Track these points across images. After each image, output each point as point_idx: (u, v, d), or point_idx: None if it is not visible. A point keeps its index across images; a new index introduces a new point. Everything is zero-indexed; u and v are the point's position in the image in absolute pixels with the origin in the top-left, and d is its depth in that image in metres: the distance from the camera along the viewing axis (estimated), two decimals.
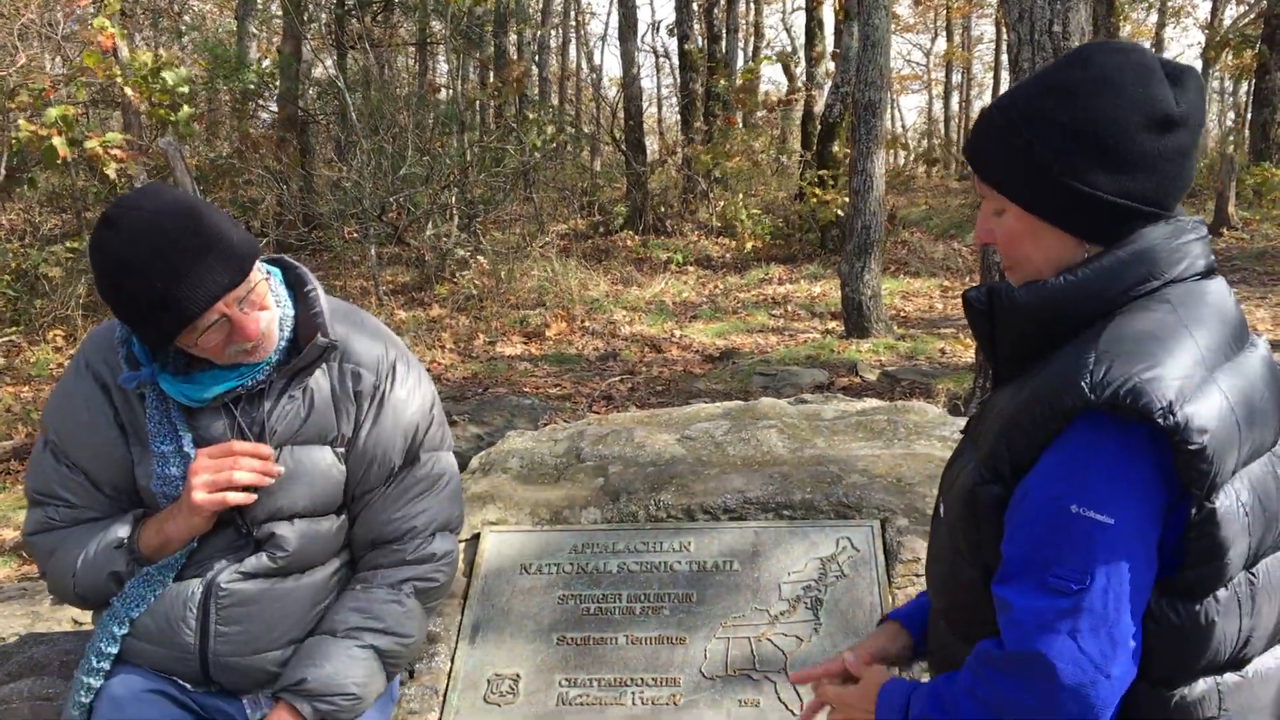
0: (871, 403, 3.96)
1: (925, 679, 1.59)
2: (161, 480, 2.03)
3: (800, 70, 18.92)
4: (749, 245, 14.69)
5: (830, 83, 15.01)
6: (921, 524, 2.80)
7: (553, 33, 24.87)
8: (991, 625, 1.38)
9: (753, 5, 26.75)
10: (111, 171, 7.91)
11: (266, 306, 1.99)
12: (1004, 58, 24.28)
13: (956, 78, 34.31)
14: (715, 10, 18.10)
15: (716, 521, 2.94)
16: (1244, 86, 25.33)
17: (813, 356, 9.16)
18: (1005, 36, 6.11)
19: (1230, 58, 19.91)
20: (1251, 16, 20.07)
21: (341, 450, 2.10)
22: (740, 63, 21.21)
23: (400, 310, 11.48)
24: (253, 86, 14.69)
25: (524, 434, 3.65)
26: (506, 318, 11.15)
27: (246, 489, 2.00)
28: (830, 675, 1.71)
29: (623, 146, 16.86)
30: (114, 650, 2.07)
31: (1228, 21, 23.12)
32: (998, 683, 1.30)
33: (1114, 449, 1.28)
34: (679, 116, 19.58)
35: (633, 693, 2.54)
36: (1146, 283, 1.38)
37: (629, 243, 15.31)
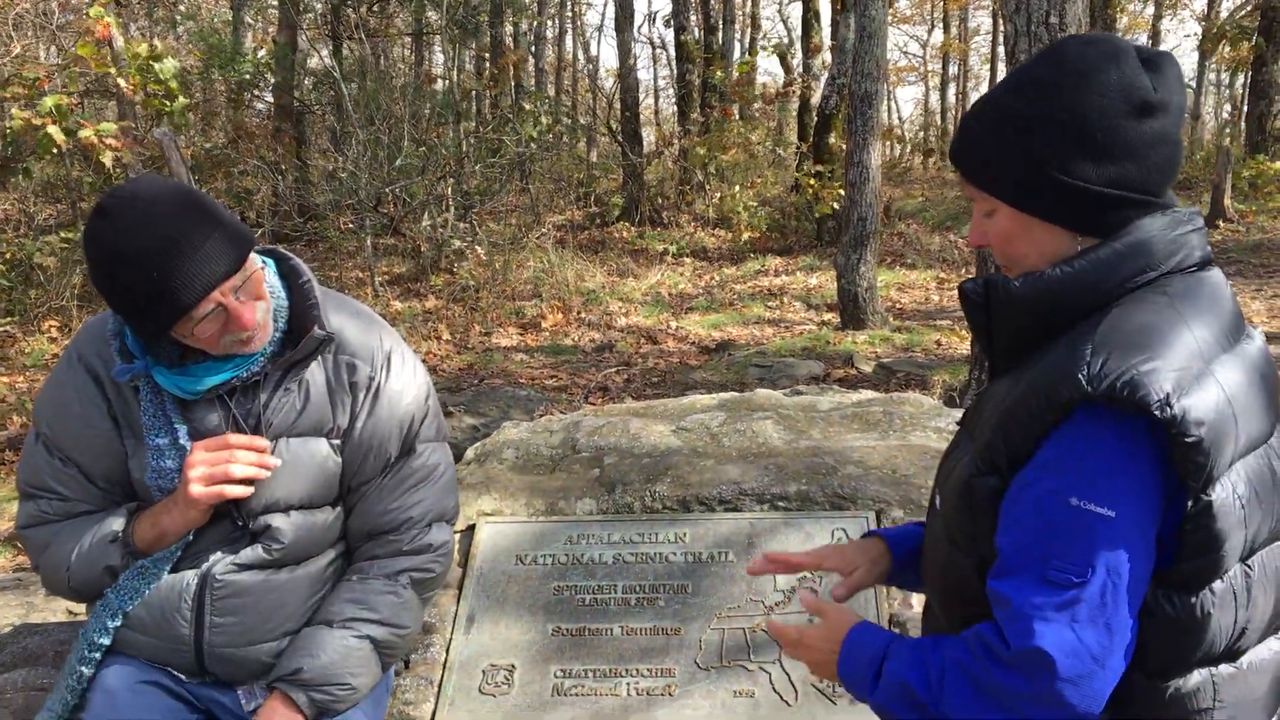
0: (867, 394, 3.96)
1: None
2: (156, 473, 2.02)
3: (797, 62, 18.91)
4: (745, 237, 14.68)
5: (827, 74, 14.98)
6: (917, 515, 2.80)
7: (549, 23, 24.80)
8: (986, 616, 1.37)
9: None
10: (108, 160, 7.88)
11: (262, 295, 1.98)
12: (1000, 50, 24.25)
13: (953, 69, 34.28)
14: (712, 1, 18.07)
15: (712, 513, 2.94)
16: (1240, 79, 25.32)
17: (809, 348, 9.16)
18: (1002, 28, 6.11)
19: (1227, 50, 19.91)
20: (1248, 9, 20.06)
21: (337, 442, 2.10)
22: (737, 54, 21.17)
23: (396, 301, 11.46)
24: (248, 77, 14.64)
25: (519, 425, 3.64)
26: (502, 309, 11.14)
27: (243, 482, 1.99)
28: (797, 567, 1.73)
29: (619, 138, 16.84)
30: (106, 641, 2.07)
31: (1224, 14, 23.11)
32: (997, 673, 1.30)
33: (1112, 441, 1.28)
34: (675, 108, 19.57)
35: (627, 683, 2.55)
36: (1143, 274, 1.38)
37: (625, 234, 15.30)
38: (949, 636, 1.41)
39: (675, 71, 19.07)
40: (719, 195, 15.88)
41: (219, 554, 2.05)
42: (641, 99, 20.05)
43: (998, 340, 1.47)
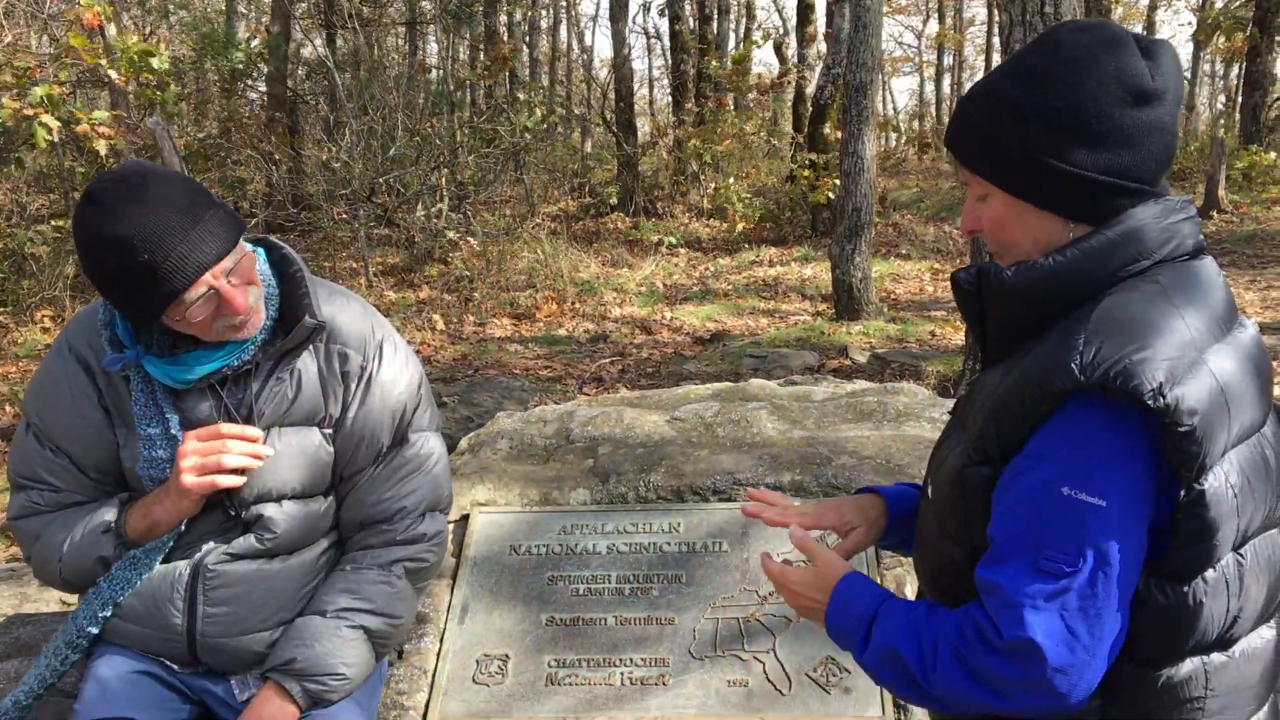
0: (861, 385, 3.97)
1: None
2: (148, 463, 2.02)
3: (792, 52, 18.88)
4: (740, 227, 14.67)
5: (822, 64, 14.96)
6: None
7: (543, 13, 24.75)
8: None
9: None
10: (102, 148, 7.84)
11: (254, 281, 1.98)
12: (996, 40, 24.24)
13: (948, 60, 34.25)
14: None
15: (706, 502, 2.94)
16: (1235, 70, 25.33)
17: (803, 339, 9.17)
18: (997, 18, 6.09)
19: (1221, 40, 19.90)
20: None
21: (329, 431, 2.09)
22: (732, 44, 21.12)
23: (390, 291, 11.45)
24: (241, 66, 14.58)
25: (513, 415, 3.64)
26: (497, 299, 11.12)
27: (235, 471, 1.99)
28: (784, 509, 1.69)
29: (614, 128, 16.81)
30: (94, 630, 2.07)
31: (1219, 4, 23.09)
32: (989, 660, 1.30)
33: (1105, 431, 1.28)
34: (670, 98, 19.53)
35: (621, 673, 2.55)
36: (1135, 263, 1.37)
37: (620, 225, 15.28)
38: (942, 609, 1.41)
39: (670, 62, 19.04)
40: (714, 186, 15.86)
41: (211, 544, 2.05)
42: (636, 89, 20.01)
43: (990, 329, 1.47)
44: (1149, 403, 1.24)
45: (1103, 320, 1.31)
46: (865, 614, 1.46)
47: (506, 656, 2.61)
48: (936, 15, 33.98)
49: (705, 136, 15.81)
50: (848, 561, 1.60)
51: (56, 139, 8.03)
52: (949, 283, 1.54)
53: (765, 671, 2.52)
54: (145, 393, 2.02)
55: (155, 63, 8.12)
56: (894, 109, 37.11)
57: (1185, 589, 1.32)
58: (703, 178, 16.16)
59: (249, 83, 15.51)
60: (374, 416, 2.11)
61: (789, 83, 17.77)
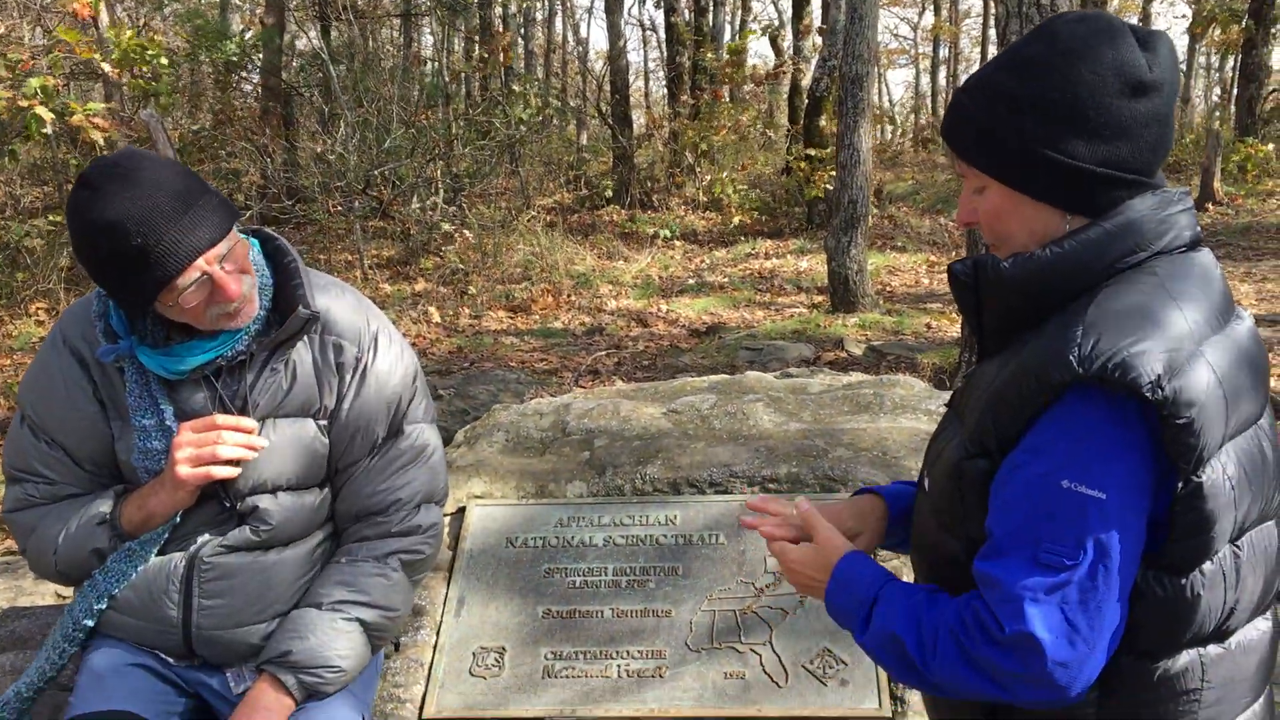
0: (857, 377, 3.97)
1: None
2: (143, 454, 2.01)
3: (787, 44, 18.84)
4: (736, 220, 14.66)
5: (817, 56, 14.93)
6: None
7: (538, 5, 24.66)
8: None
9: None
10: (99, 138, 7.81)
11: (248, 270, 1.97)
12: (992, 32, 24.22)
13: (944, 52, 34.20)
14: None
15: (702, 495, 2.94)
16: (1230, 62, 25.32)
17: (799, 331, 9.17)
18: (993, 10, 6.09)
19: (1217, 33, 19.87)
20: None
21: (324, 423, 2.09)
22: (727, 36, 21.10)
23: (385, 284, 11.43)
24: (235, 59, 14.53)
25: (509, 408, 3.63)
26: (492, 292, 11.11)
27: (230, 463, 1.98)
28: (785, 519, 1.65)
29: (609, 120, 16.78)
30: (90, 623, 2.06)
31: None
32: (989, 652, 1.30)
33: (1103, 423, 1.28)
34: (666, 90, 19.50)
35: (618, 665, 2.55)
36: (1132, 255, 1.37)
37: (615, 217, 15.27)
38: (943, 596, 1.40)
39: (665, 54, 19.00)
40: (709, 178, 15.84)
41: (206, 536, 2.05)
42: (632, 81, 20.00)
43: (987, 321, 1.46)
44: (1147, 395, 1.24)
45: (1101, 312, 1.31)
46: (866, 596, 1.46)
47: (503, 649, 2.61)
48: (932, 7, 33.90)
49: (701, 128, 15.78)
50: None
51: (51, 131, 8.00)
52: (945, 275, 1.53)
53: (762, 664, 2.52)
54: (140, 384, 2.01)
55: (151, 52, 8.10)
56: (890, 101, 37.08)
57: (1183, 581, 1.32)
58: (698, 170, 16.14)
59: (243, 75, 15.46)
60: (369, 408, 2.10)
61: (784, 75, 17.75)
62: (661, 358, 8.52)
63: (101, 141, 7.89)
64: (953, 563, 1.46)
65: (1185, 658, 1.37)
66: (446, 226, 12.48)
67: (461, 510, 2.97)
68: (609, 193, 16.07)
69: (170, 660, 2.10)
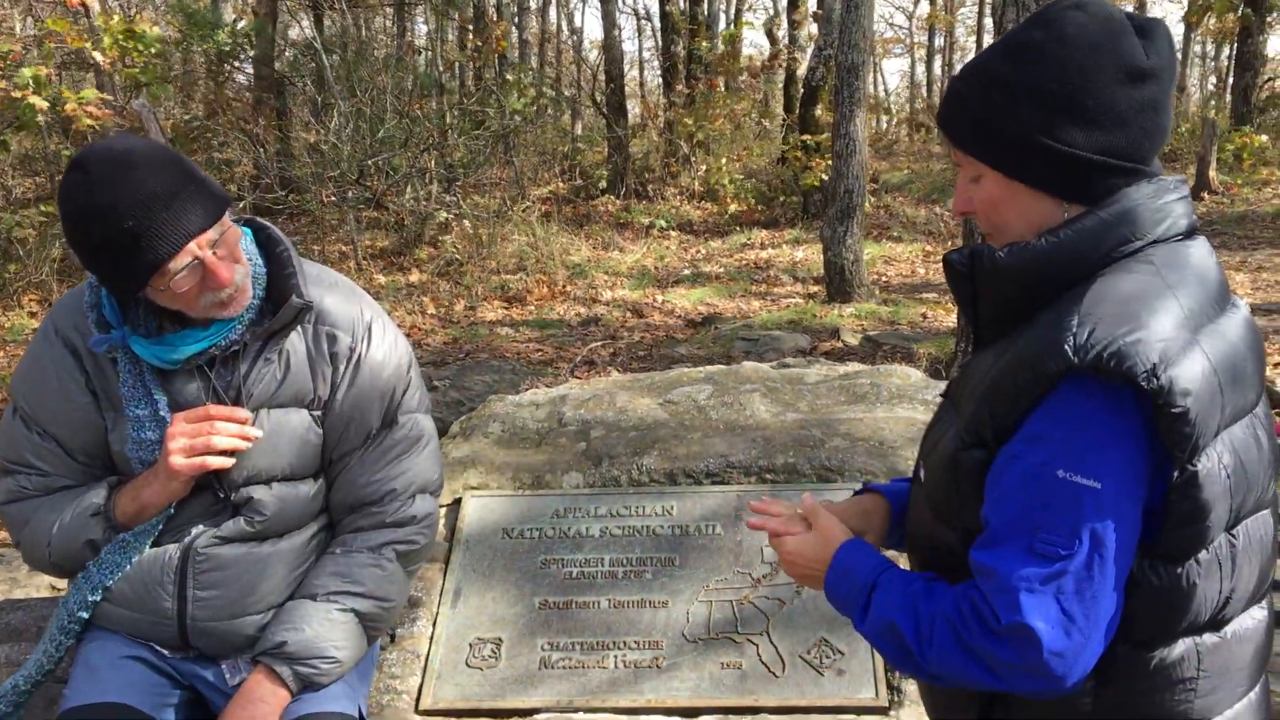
0: (854, 367, 3.96)
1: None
2: (137, 445, 2.01)
3: (782, 33, 18.79)
4: (731, 210, 14.64)
5: (813, 46, 14.91)
6: None
7: None
8: None
9: None
10: (92, 124, 7.78)
11: (240, 259, 1.96)
12: (987, 21, 24.17)
13: (939, 41, 34.16)
14: None
15: (699, 485, 2.94)
16: (1226, 51, 25.31)
17: (795, 321, 9.17)
18: None
19: (1213, 21, 19.86)
20: None
21: (318, 413, 2.08)
22: (722, 24, 21.04)
23: (379, 275, 11.41)
24: (227, 48, 14.47)
25: (505, 399, 3.63)
26: (487, 282, 11.10)
27: (225, 453, 1.98)
28: (789, 518, 1.64)
29: (604, 110, 16.74)
30: (85, 615, 2.06)
31: None
32: (986, 642, 1.30)
33: (1099, 412, 1.27)
34: (661, 80, 19.46)
35: (615, 656, 2.55)
36: (1129, 243, 1.36)
37: (610, 207, 15.25)
38: (941, 584, 1.40)
39: (660, 43, 18.95)
40: (705, 168, 15.82)
41: (201, 527, 2.04)
42: (626, 71, 19.93)
43: (983, 311, 1.46)
44: (1142, 384, 1.23)
45: (1096, 301, 1.31)
46: (865, 583, 1.46)
47: (499, 640, 2.61)
48: None
49: (697, 118, 15.75)
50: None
51: (44, 121, 7.98)
52: (941, 265, 1.53)
53: (759, 654, 2.52)
54: (133, 374, 2.01)
55: (144, 41, 8.07)
56: (885, 91, 37.03)
57: (1179, 570, 1.32)
58: (694, 160, 16.12)
59: (235, 65, 15.40)
60: (363, 398, 2.10)
61: (780, 65, 17.71)
62: (657, 348, 8.51)
63: (96, 128, 7.86)
64: (949, 553, 1.46)
65: (1181, 647, 1.37)
66: (441, 217, 12.45)
67: (457, 501, 2.97)
68: (604, 183, 16.04)
69: (165, 652, 2.10)
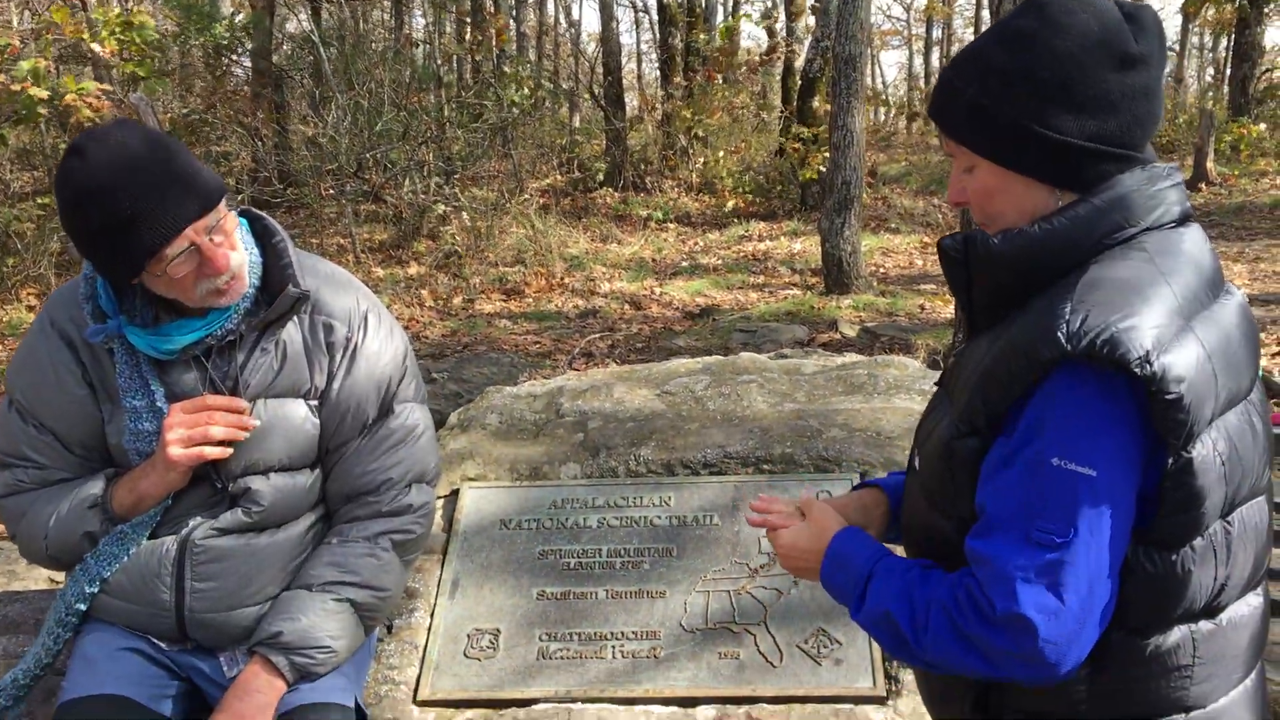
0: (851, 357, 3.96)
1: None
2: (134, 436, 2.01)
3: (780, 25, 18.76)
4: (729, 202, 14.63)
5: (810, 37, 14.88)
6: None
7: None
8: None
9: None
10: (91, 115, 7.76)
11: (236, 246, 1.96)
12: (985, 13, 24.14)
13: (937, 33, 34.11)
14: None
15: (696, 476, 2.94)
16: (1224, 42, 25.28)
17: (793, 313, 9.17)
18: None
19: (1210, 12, 19.85)
20: None
21: (315, 403, 2.08)
22: (720, 17, 20.99)
23: (378, 268, 11.40)
24: (225, 41, 14.44)
25: (503, 390, 3.63)
26: (486, 275, 11.09)
27: (222, 443, 1.98)
28: (788, 515, 1.64)
29: (602, 102, 16.72)
30: (83, 607, 2.06)
31: None
32: (981, 630, 1.30)
33: (1093, 400, 1.27)
34: (658, 72, 19.42)
35: (613, 646, 2.55)
36: (1122, 230, 1.36)
37: (608, 200, 15.24)
38: (937, 572, 1.41)
39: (658, 35, 18.91)
40: (703, 161, 15.80)
41: (198, 518, 2.04)
42: (624, 63, 19.90)
43: (977, 298, 1.45)
44: (1136, 370, 1.23)
45: (1089, 288, 1.31)
46: (861, 573, 1.47)
47: (497, 631, 2.61)
48: None
49: (695, 110, 15.73)
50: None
51: (45, 113, 7.97)
52: (936, 252, 1.53)
53: (756, 644, 2.52)
54: (130, 365, 2.01)
55: (143, 33, 8.06)
56: (883, 83, 36.97)
57: (1173, 557, 1.32)
58: (691, 152, 16.10)
59: (233, 58, 15.37)
60: (359, 388, 2.10)
61: (778, 57, 17.68)
62: (655, 340, 8.52)
63: (96, 120, 7.84)
64: (944, 542, 1.46)
65: (1176, 634, 1.37)
66: (440, 209, 12.44)
67: (455, 493, 2.97)
68: (602, 175, 16.02)
69: (163, 644, 2.10)
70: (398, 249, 12.21)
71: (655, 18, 18.73)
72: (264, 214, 2.13)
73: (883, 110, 25.58)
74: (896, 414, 3.14)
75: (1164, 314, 1.28)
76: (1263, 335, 6.80)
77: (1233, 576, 1.37)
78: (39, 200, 10.73)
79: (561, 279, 11.02)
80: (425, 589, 2.72)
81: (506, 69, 15.92)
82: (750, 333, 8.24)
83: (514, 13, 21.75)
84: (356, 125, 12.21)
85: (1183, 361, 1.26)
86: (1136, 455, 1.28)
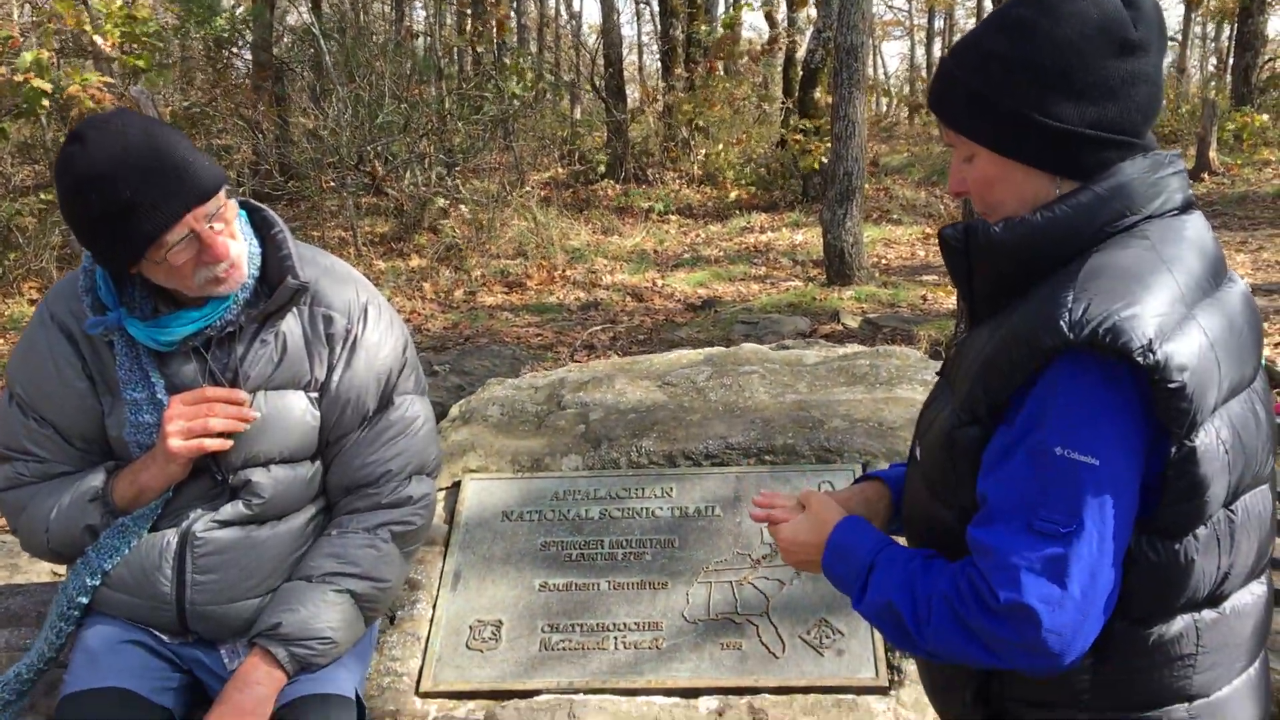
0: (853, 348, 3.96)
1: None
2: (135, 428, 2.01)
3: (781, 15, 18.71)
4: (731, 194, 14.61)
5: (812, 28, 14.84)
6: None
7: None
8: None
9: None
10: (95, 108, 7.76)
11: (235, 236, 1.96)
12: (987, 2, 24.07)
13: (939, 23, 34.04)
14: None
15: (698, 467, 2.94)
16: (1226, 31, 25.21)
17: (795, 304, 9.16)
18: None
19: (1213, 2, 19.80)
20: None
21: (315, 395, 2.08)
22: (721, 9, 20.95)
23: (379, 261, 11.40)
24: (225, 34, 14.42)
25: (504, 382, 3.63)
26: (487, 267, 11.09)
27: (222, 435, 1.97)
28: (790, 509, 1.64)
29: (603, 94, 16.69)
30: (85, 600, 2.06)
31: None
32: (984, 620, 1.30)
33: (1095, 389, 1.27)
34: (660, 64, 19.39)
35: (615, 638, 2.55)
36: (1124, 218, 1.36)
37: (610, 192, 15.23)
38: (939, 562, 1.40)
39: (659, 27, 18.87)
40: (704, 152, 15.78)
41: (199, 511, 2.04)
42: (625, 55, 19.86)
43: (978, 287, 1.45)
44: (1138, 359, 1.23)
45: (1091, 277, 1.30)
46: (863, 563, 1.46)
47: (500, 623, 2.61)
48: None
49: (696, 102, 15.70)
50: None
51: (48, 105, 7.97)
52: (938, 242, 1.52)
53: (759, 635, 2.52)
54: (129, 357, 2.00)
55: (145, 26, 8.05)
56: (885, 74, 36.92)
57: (1176, 546, 1.31)
58: (693, 144, 16.07)
59: (234, 51, 15.35)
60: (359, 380, 2.09)
61: (779, 48, 17.64)
62: (657, 332, 8.51)
63: (98, 111, 7.83)
64: (945, 531, 1.46)
65: (1179, 623, 1.36)
66: (441, 202, 12.43)
67: (457, 485, 2.97)
68: (603, 167, 16.00)
69: (164, 637, 2.10)
70: (399, 241, 12.21)
71: (656, 9, 18.69)
72: (263, 206, 2.12)
73: (884, 101, 25.54)
74: (898, 404, 3.13)
75: (1166, 302, 1.28)
76: (1266, 325, 6.79)
77: (1236, 565, 1.37)
78: (41, 194, 10.73)
79: (563, 271, 11.02)
80: (427, 581, 2.72)
81: (507, 61, 15.88)
82: (752, 324, 8.23)
83: (515, 4, 21.71)
84: (357, 118, 12.20)
85: (1185, 350, 1.25)
86: (1139, 444, 1.28)
